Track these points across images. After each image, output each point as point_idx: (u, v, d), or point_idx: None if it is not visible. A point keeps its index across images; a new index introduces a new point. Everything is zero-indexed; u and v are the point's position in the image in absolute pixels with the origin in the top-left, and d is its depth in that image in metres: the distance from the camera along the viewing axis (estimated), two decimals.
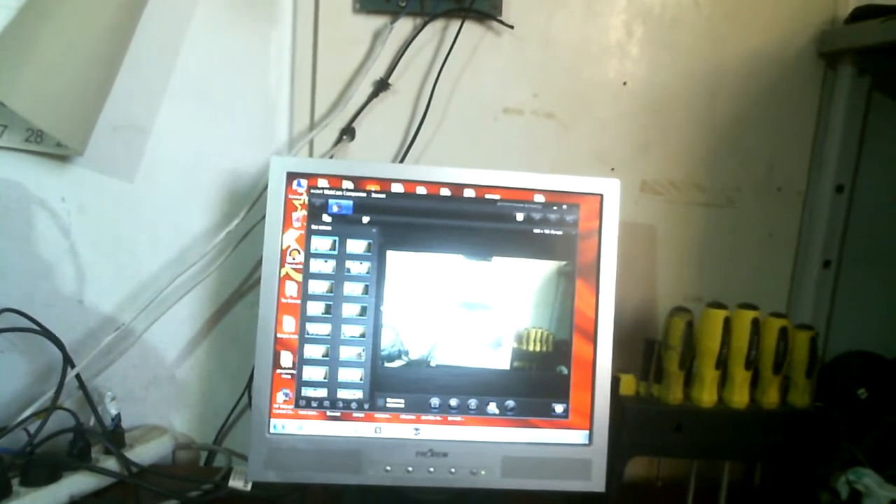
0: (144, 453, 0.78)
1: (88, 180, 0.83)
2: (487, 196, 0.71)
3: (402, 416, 0.69)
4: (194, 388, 0.88)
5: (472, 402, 0.70)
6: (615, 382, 0.74)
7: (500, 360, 0.70)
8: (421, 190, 0.70)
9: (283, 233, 0.69)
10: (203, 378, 0.88)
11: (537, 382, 0.71)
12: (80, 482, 0.70)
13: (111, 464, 0.74)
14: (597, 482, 0.70)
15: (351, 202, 0.70)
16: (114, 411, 0.77)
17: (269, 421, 0.68)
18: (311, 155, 0.85)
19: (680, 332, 0.75)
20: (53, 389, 0.74)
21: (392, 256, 0.70)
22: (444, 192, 0.70)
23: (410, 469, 0.68)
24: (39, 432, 0.71)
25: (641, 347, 0.80)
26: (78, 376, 0.76)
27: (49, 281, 0.84)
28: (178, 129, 0.84)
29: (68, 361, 0.75)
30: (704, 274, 0.92)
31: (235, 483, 0.73)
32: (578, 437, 0.71)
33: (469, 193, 0.70)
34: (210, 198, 0.85)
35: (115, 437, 0.76)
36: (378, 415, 0.69)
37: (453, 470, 0.69)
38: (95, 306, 0.84)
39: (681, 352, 0.74)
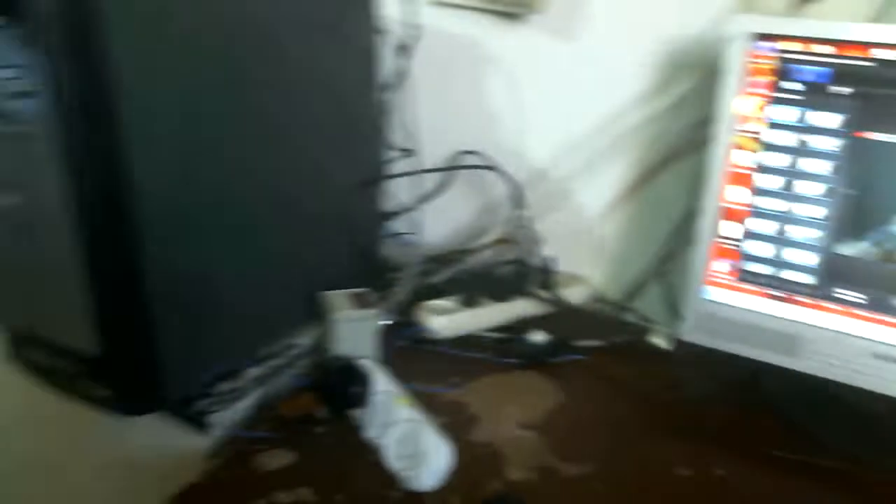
0: (567, 296, 0.87)
1: (536, 38, 0.88)
2: None
3: (859, 312, 0.63)
4: (611, 247, 0.93)
5: None
6: None
7: None
8: None
9: (737, 98, 0.65)
10: (620, 239, 0.92)
11: None
12: (523, 307, 0.81)
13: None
14: None
15: (826, 69, 0.62)
16: (548, 254, 0.86)
17: (705, 287, 0.68)
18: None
19: None
20: (499, 223, 0.86)
21: (870, 137, 0.60)
22: None
23: (858, 369, 0.63)
24: (496, 259, 0.83)
25: None
26: (524, 217, 0.86)
27: (496, 131, 0.94)
28: None
29: (520, 202, 0.85)
30: None
31: (655, 340, 0.77)
32: None
33: None
34: (648, 59, 0.84)
35: (548, 276, 0.85)
36: (829, 305, 0.64)
37: None
38: (533, 157, 0.93)
39: None
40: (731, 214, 0.67)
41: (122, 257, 0.53)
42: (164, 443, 0.66)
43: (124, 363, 0.56)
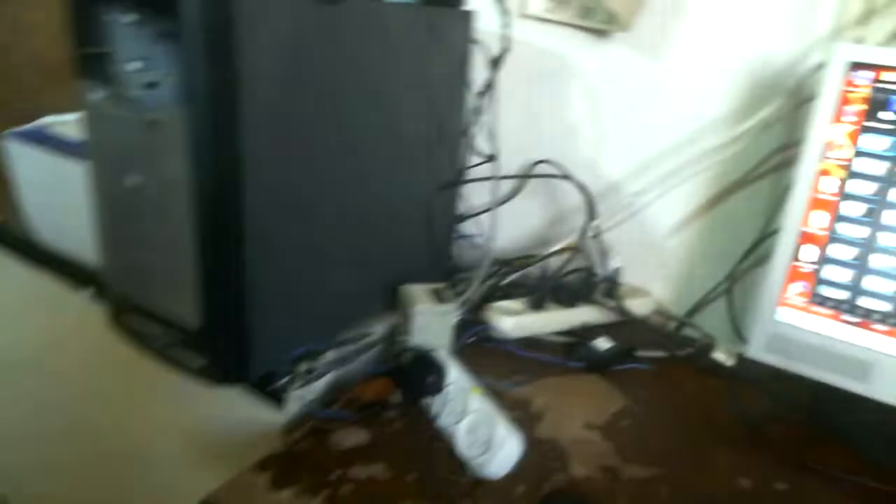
0: (631, 308, 0.88)
1: (621, 56, 0.90)
2: None
3: None
4: (678, 262, 0.93)
5: None
6: None
7: None
8: None
9: (829, 125, 0.65)
10: (687, 256, 0.93)
11: None
12: (588, 313, 0.83)
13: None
14: None
15: None
16: (616, 264, 0.88)
17: (777, 308, 0.69)
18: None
19: None
20: (569, 232, 0.88)
21: None
22: None
23: None
24: (565, 265, 0.85)
25: None
26: (594, 227, 0.88)
27: (573, 142, 0.96)
28: (715, 13, 0.84)
29: (592, 212, 0.87)
30: None
31: (718, 356, 0.78)
32: None
33: None
34: (733, 84, 0.85)
35: (613, 286, 0.87)
36: None
37: None
38: (607, 170, 0.95)
39: None
40: (811, 238, 0.67)
41: (229, 240, 0.57)
42: (242, 415, 0.71)
43: (220, 336, 0.61)
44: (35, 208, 0.85)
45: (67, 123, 0.85)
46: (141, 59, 0.59)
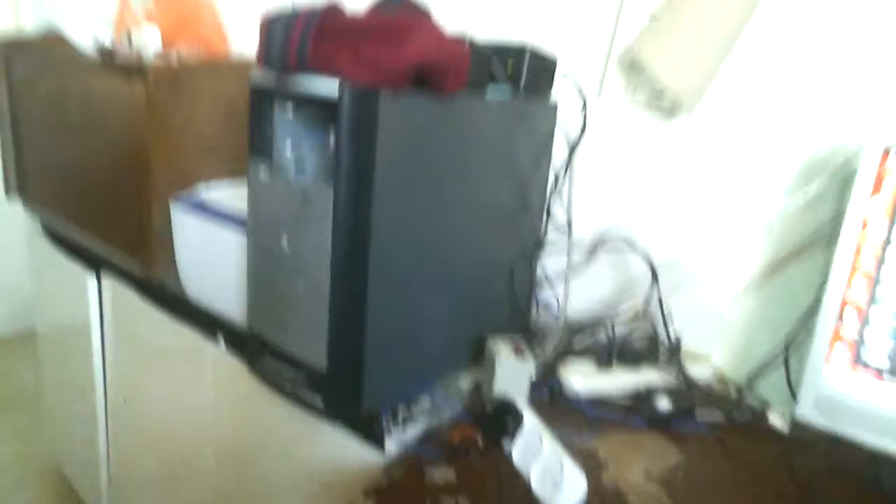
0: (691, 372, 0.96)
1: (683, 136, 1.02)
2: None
3: None
4: (736, 329, 1.01)
5: None
6: None
7: None
8: None
9: (869, 201, 0.74)
10: (745, 323, 1.00)
11: None
12: (651, 375, 0.92)
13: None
14: None
15: None
16: (677, 330, 0.97)
17: (824, 371, 0.77)
18: None
19: None
20: (632, 298, 0.98)
21: None
22: None
23: None
24: (631, 330, 0.95)
25: None
26: (658, 295, 0.98)
27: (639, 213, 1.06)
28: (772, 100, 0.94)
29: (656, 280, 0.97)
30: None
31: (774, 420, 0.85)
32: None
33: None
34: (786, 162, 0.94)
35: (675, 351, 0.96)
36: None
37: None
38: (670, 241, 1.03)
39: None
40: (855, 306, 0.75)
41: (354, 299, 0.71)
42: (348, 454, 0.84)
43: (342, 377, 0.74)
44: (186, 267, 1.03)
45: (220, 191, 1.04)
46: (293, 145, 0.76)
